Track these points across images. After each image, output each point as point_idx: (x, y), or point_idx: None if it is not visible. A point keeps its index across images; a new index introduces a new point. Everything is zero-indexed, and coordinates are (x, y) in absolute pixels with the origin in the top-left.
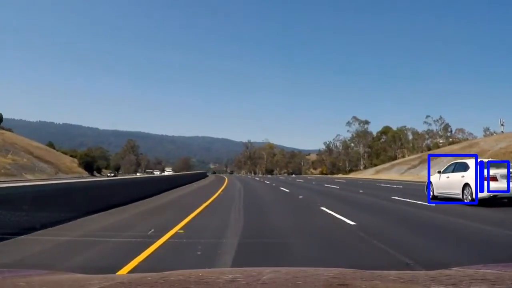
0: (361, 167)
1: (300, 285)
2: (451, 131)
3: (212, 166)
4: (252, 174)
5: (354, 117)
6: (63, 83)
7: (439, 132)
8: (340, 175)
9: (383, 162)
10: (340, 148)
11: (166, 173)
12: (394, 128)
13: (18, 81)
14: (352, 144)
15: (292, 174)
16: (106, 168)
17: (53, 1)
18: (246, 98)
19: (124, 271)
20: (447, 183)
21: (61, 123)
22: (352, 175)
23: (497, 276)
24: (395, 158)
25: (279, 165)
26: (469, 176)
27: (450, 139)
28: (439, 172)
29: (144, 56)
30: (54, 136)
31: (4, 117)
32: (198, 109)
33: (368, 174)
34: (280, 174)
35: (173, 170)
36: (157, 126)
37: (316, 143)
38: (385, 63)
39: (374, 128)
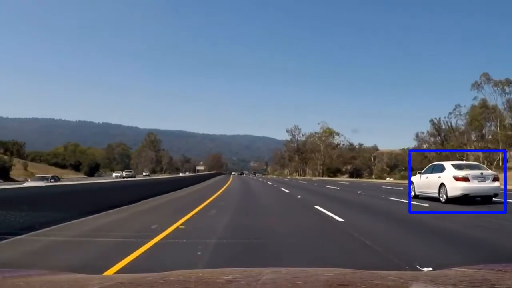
0: None
1: (300, 285)
2: None
3: (252, 164)
4: (299, 175)
5: (485, 75)
6: (103, 82)
7: None
8: None
9: None
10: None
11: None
12: None
13: (56, 81)
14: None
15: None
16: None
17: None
18: (289, 92)
19: None
20: (426, 183)
21: (100, 122)
22: None
23: (497, 276)
24: None
25: (338, 161)
26: (445, 177)
27: None
28: (419, 172)
29: (182, 54)
30: (94, 135)
31: (42, 117)
32: (239, 107)
33: None
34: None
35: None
36: (198, 125)
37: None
38: None
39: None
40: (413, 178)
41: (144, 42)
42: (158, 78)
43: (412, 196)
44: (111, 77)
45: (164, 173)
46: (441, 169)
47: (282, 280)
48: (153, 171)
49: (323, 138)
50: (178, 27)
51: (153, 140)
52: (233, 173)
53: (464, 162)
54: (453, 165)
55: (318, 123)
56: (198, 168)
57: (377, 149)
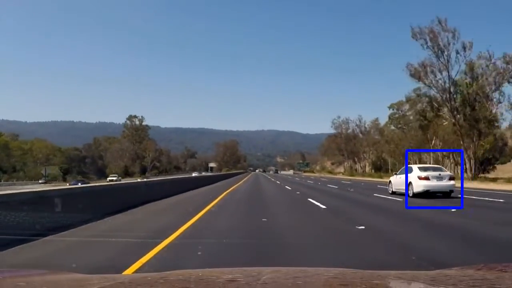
0: None
1: (300, 285)
2: None
3: (279, 159)
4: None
5: None
6: (123, 81)
7: None
8: None
9: None
10: None
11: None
12: None
13: (75, 82)
14: None
15: None
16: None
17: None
18: (314, 85)
19: None
20: (400, 181)
21: (121, 123)
22: None
23: (497, 276)
24: None
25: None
26: (412, 177)
27: None
28: (395, 173)
29: (204, 49)
30: (114, 136)
31: (61, 119)
32: (263, 102)
33: None
34: None
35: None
36: (221, 121)
37: None
38: None
39: None
40: (391, 178)
41: (163, 39)
42: (179, 76)
43: (390, 192)
44: (130, 76)
45: (144, 176)
46: (410, 170)
47: (282, 280)
48: (126, 173)
49: None
50: (202, 24)
51: (138, 128)
52: (256, 170)
53: (428, 165)
54: (419, 167)
55: None
56: (211, 165)
57: None
